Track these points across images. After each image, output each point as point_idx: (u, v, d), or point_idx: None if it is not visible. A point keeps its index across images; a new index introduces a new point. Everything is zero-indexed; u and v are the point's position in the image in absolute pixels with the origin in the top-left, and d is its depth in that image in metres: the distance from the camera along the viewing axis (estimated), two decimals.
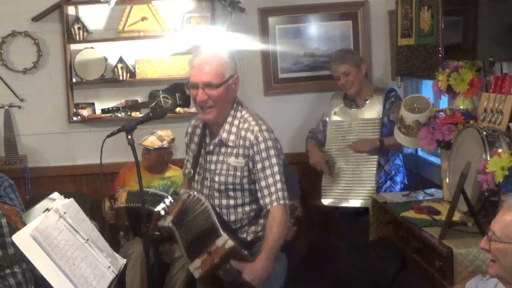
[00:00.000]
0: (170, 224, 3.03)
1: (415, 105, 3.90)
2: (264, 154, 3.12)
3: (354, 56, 4.73)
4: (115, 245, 4.58)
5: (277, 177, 3.11)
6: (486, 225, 2.97)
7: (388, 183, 4.58)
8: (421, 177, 4.46)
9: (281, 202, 3.09)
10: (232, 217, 3.21)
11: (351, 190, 4.61)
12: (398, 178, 4.62)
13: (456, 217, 3.23)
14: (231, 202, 3.19)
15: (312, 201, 4.91)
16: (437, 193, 3.97)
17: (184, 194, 3.14)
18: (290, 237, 4.54)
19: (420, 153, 4.48)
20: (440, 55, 3.98)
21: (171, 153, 5.03)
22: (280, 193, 3.10)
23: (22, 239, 2.41)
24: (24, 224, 3.28)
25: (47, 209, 2.62)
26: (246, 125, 3.16)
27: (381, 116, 4.57)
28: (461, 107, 3.61)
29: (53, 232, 2.51)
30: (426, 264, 3.25)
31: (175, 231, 3.02)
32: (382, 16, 5.31)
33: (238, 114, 3.21)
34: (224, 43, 5.07)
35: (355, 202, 4.57)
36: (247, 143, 3.13)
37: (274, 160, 3.12)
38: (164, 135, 4.95)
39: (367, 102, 4.67)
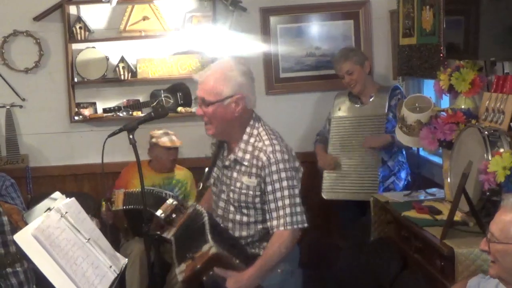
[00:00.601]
0: (172, 238, 3.06)
1: (417, 104, 3.90)
2: (275, 177, 3.01)
3: (357, 54, 4.76)
4: (116, 245, 4.59)
5: (287, 201, 3.01)
6: (487, 225, 2.98)
7: (392, 178, 4.60)
8: (423, 177, 4.46)
9: (288, 227, 3.01)
10: (244, 233, 3.16)
11: (352, 185, 4.65)
12: (402, 175, 4.64)
13: (458, 217, 3.23)
14: (244, 219, 3.13)
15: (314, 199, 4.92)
16: (438, 193, 3.97)
17: (190, 208, 3.14)
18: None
19: (422, 152, 4.49)
20: (441, 55, 3.98)
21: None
22: (288, 218, 3.00)
23: (23, 239, 2.41)
24: (26, 223, 3.29)
25: (49, 209, 2.62)
26: (260, 144, 3.07)
27: (386, 112, 4.60)
28: (463, 106, 3.61)
29: (54, 231, 2.51)
30: (428, 264, 3.25)
31: (173, 244, 3.04)
32: (383, 15, 5.31)
33: (255, 132, 3.11)
34: (225, 43, 5.08)
35: (356, 196, 4.59)
36: (260, 163, 3.04)
37: (284, 183, 3.02)
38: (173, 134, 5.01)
39: (371, 99, 4.71)
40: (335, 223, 5.17)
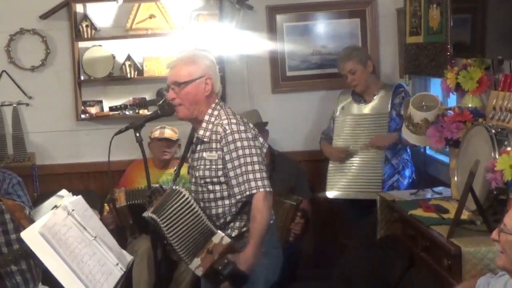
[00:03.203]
0: (151, 215, 3.14)
1: (423, 103, 3.89)
2: (232, 146, 3.21)
3: (359, 54, 4.75)
4: (123, 242, 4.59)
5: (249, 167, 3.18)
6: (494, 224, 2.97)
7: (396, 177, 4.58)
8: (429, 175, 4.45)
9: (255, 190, 3.17)
10: (214, 211, 3.31)
11: (357, 183, 4.65)
12: (407, 173, 4.62)
13: (465, 215, 3.22)
14: (211, 195, 3.30)
15: (318, 194, 4.92)
16: (445, 191, 3.96)
17: (169, 188, 3.29)
18: (299, 230, 4.55)
19: (428, 151, 4.47)
20: (448, 53, 3.97)
21: (179, 146, 5.07)
22: (252, 183, 3.17)
23: (30, 236, 2.41)
24: (32, 221, 3.29)
25: (55, 206, 2.62)
26: (217, 121, 3.29)
27: (389, 111, 4.60)
28: (470, 105, 3.60)
29: (61, 229, 2.52)
30: (434, 263, 3.24)
31: (157, 220, 3.12)
32: (390, 14, 5.29)
33: (215, 112, 3.32)
34: (231, 41, 5.08)
35: (361, 195, 4.58)
36: (218, 136, 3.25)
37: (240, 152, 3.20)
38: (173, 128, 5.00)
39: (375, 97, 4.70)
40: (341, 222, 5.17)
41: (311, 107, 5.41)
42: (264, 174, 3.22)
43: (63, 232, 2.51)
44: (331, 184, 4.77)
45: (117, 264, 2.74)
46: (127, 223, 4.66)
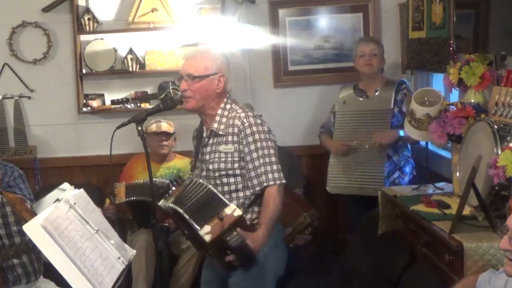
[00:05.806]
0: (171, 205, 3.19)
1: (426, 98, 3.88)
2: (250, 139, 3.30)
3: (382, 48, 4.77)
4: (122, 236, 4.59)
5: (262, 160, 3.29)
6: (496, 220, 2.97)
7: (397, 173, 4.60)
8: (431, 171, 4.45)
9: (273, 182, 3.28)
10: None
11: (358, 180, 4.64)
12: (407, 169, 4.64)
13: (466, 211, 3.22)
14: (226, 188, 3.35)
15: (319, 193, 4.92)
16: (447, 187, 3.96)
17: (187, 180, 3.35)
18: (301, 243, 4.54)
19: (430, 146, 4.46)
20: (451, 48, 3.96)
21: (175, 139, 5.10)
22: (270, 175, 3.29)
23: (32, 229, 2.41)
24: (34, 214, 3.29)
25: (57, 200, 2.62)
26: (234, 114, 3.35)
27: (392, 107, 4.59)
28: (472, 100, 3.59)
29: (63, 222, 2.52)
30: (436, 258, 3.24)
31: (178, 208, 3.17)
32: (393, 8, 5.29)
33: (228, 106, 3.39)
34: (233, 35, 5.08)
35: (362, 191, 4.58)
36: (236, 129, 3.32)
37: (258, 144, 3.30)
38: (168, 121, 5.00)
39: (377, 93, 4.69)
40: (341, 217, 5.16)
41: (313, 101, 5.41)
42: (279, 166, 3.32)
43: (65, 226, 2.51)
44: (332, 179, 4.77)
45: (119, 258, 2.74)
46: (127, 218, 4.67)
